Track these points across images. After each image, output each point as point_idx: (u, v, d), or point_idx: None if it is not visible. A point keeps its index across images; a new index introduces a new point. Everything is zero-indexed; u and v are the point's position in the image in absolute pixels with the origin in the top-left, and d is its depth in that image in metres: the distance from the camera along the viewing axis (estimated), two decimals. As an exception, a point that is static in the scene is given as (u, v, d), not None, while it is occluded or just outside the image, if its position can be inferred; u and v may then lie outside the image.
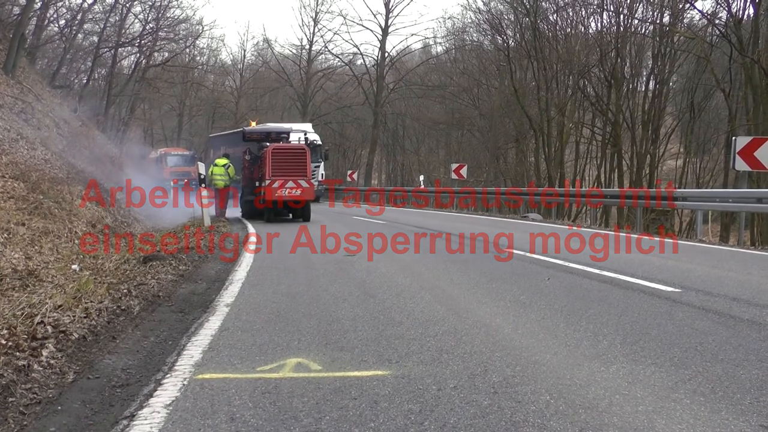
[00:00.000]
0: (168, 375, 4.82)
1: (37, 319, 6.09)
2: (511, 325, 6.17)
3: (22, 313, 6.24)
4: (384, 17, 55.71)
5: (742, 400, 4.13)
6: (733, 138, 18.45)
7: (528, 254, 11.58)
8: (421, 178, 42.11)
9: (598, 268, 9.67)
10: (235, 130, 41.47)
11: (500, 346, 5.37)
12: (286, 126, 34.24)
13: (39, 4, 29.42)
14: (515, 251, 12.09)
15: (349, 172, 50.59)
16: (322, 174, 40.01)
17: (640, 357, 5.06)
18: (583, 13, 41.01)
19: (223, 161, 25.43)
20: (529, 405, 4.04)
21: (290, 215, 22.68)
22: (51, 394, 4.52)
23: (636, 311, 6.73)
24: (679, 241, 16.33)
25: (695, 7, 45.89)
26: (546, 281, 8.73)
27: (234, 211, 25.85)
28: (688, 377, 4.57)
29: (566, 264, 10.27)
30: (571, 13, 41.41)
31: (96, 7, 36.95)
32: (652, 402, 4.09)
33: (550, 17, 41.17)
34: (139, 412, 4.09)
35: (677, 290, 7.88)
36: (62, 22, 35.73)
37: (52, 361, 5.15)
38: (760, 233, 24.98)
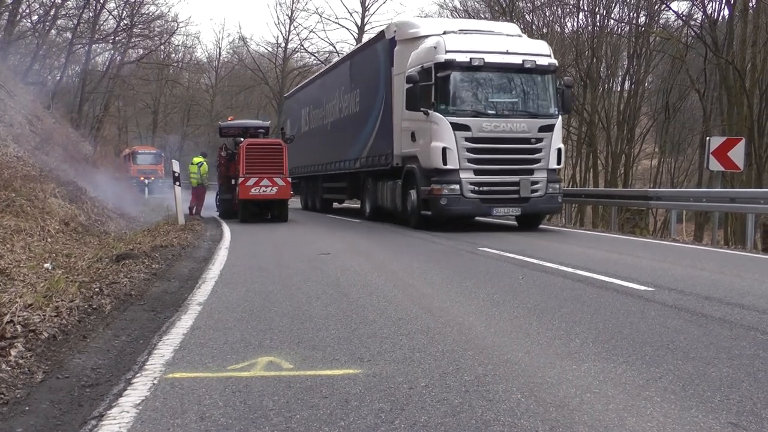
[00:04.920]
0: (138, 374, 4.77)
1: (7, 318, 6.02)
2: (483, 323, 6.18)
3: (-9, 312, 6.17)
4: (360, 15, 55.63)
5: (712, 398, 4.15)
6: (707, 138, 18.62)
7: (502, 253, 11.60)
8: None
9: (572, 267, 9.70)
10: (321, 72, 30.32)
11: (472, 345, 5.37)
12: (484, 25, 21.09)
13: (11, -1, 29.19)
14: (489, 250, 12.11)
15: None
16: (560, 150, 17.04)
17: (611, 355, 5.08)
18: (560, 12, 41.18)
19: (197, 159, 25.39)
20: (500, 403, 4.03)
21: (269, 215, 21.98)
22: (19, 394, 4.47)
23: (609, 310, 6.75)
24: (654, 241, 16.44)
25: (671, 8, 46.26)
26: (520, 280, 8.75)
27: (212, 210, 25.74)
28: (659, 375, 4.59)
29: (540, 263, 10.29)
30: (547, 13, 41.58)
31: (69, 2, 36.66)
32: (623, 400, 4.10)
33: (527, 16, 41.25)
34: (109, 411, 4.05)
35: (650, 289, 7.92)
36: (35, 17, 35.43)
37: (20, 361, 5.09)
38: (734, 233, 25.16)
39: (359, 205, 23.67)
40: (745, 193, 17.35)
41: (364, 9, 55.48)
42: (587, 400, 4.09)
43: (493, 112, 16.37)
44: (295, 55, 63.13)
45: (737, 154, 16.69)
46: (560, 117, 17.17)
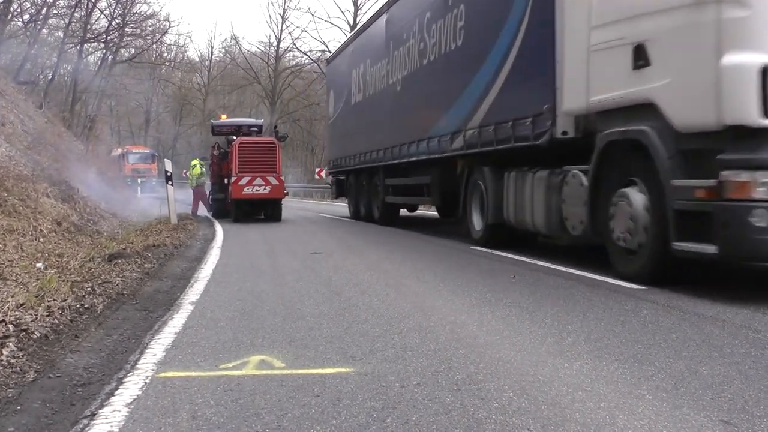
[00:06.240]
0: (130, 373, 4.76)
1: (-2, 317, 6.02)
2: (476, 322, 6.18)
3: (-18, 312, 6.15)
4: (352, 14, 55.56)
5: (704, 396, 4.15)
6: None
7: (494, 252, 11.60)
8: None
9: (565, 266, 9.70)
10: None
11: (464, 343, 5.37)
12: None
13: (2, -2, 29.12)
14: (481, 248, 12.11)
15: (317, 169, 50.45)
16: None
17: (604, 354, 5.08)
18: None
19: (193, 162, 25.45)
20: (491, 402, 4.03)
21: (262, 214, 21.95)
22: (10, 394, 4.45)
23: (601, 308, 6.76)
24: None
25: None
26: (512, 278, 8.75)
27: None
28: (651, 373, 4.59)
29: (533, 261, 10.30)
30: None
31: (61, 2, 36.57)
32: (615, 398, 4.10)
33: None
34: (100, 411, 4.04)
35: (643, 287, 7.92)
36: (26, 16, 35.34)
37: (12, 360, 5.07)
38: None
39: (456, 217, 14.46)
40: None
41: (356, 8, 55.49)
42: (579, 398, 4.09)
43: None
44: (288, 55, 63.19)
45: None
46: None
